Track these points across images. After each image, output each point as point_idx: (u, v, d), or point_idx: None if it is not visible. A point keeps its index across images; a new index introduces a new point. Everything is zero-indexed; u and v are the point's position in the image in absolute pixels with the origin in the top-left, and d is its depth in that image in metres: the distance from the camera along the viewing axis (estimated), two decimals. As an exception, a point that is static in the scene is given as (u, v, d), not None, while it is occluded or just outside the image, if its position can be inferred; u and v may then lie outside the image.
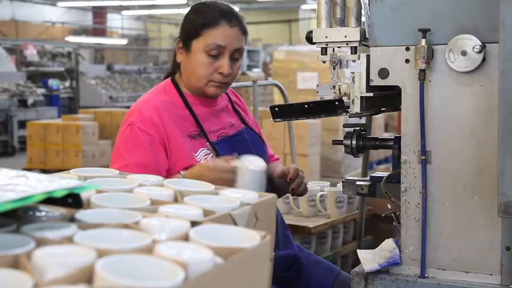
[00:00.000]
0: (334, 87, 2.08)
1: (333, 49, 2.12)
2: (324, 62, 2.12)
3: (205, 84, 2.19)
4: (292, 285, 2.30)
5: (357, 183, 2.24)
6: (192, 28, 2.18)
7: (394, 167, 2.12)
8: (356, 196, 3.19)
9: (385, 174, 2.19)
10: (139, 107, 2.16)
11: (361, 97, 1.98)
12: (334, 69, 2.10)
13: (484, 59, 1.84)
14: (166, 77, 2.34)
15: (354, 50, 2.07)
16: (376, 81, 1.97)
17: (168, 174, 2.08)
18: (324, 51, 2.11)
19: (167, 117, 2.14)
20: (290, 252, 2.34)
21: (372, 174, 2.29)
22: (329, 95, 2.13)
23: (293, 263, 2.33)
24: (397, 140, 2.07)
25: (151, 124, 2.10)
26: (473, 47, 1.83)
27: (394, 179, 2.08)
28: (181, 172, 2.06)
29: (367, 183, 2.22)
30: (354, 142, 2.23)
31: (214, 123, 2.25)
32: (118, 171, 1.51)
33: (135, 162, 2.05)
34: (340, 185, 3.26)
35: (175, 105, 2.19)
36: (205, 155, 2.15)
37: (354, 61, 2.08)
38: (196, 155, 2.14)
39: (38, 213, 1.10)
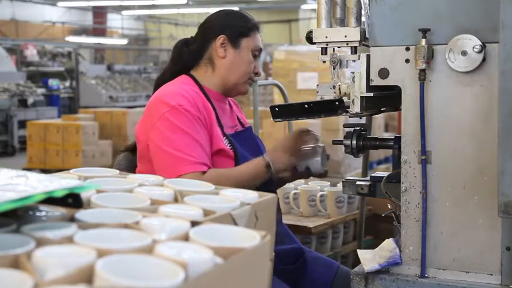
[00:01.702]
0: (334, 87, 2.08)
1: (333, 49, 2.12)
2: (324, 62, 2.13)
3: (244, 81, 2.35)
4: (296, 278, 2.34)
5: (357, 183, 2.24)
6: (244, 28, 2.34)
7: (394, 167, 2.12)
8: (356, 196, 3.19)
9: (385, 174, 2.19)
10: (176, 91, 2.22)
11: (361, 97, 1.98)
12: (334, 69, 2.10)
13: (484, 59, 1.84)
14: (162, 75, 2.40)
15: (354, 50, 2.07)
16: (376, 81, 1.97)
17: (209, 153, 2.21)
18: (324, 51, 2.11)
19: (201, 103, 2.24)
20: (296, 245, 2.41)
21: (372, 174, 2.29)
22: (329, 95, 2.13)
23: (298, 257, 2.38)
24: (397, 140, 2.07)
25: (196, 106, 2.20)
26: (473, 47, 1.83)
27: (394, 179, 2.08)
28: (265, 157, 2.21)
29: (367, 183, 2.22)
30: (354, 142, 2.23)
31: (228, 119, 2.38)
32: (118, 172, 1.51)
33: (199, 138, 2.17)
34: (340, 185, 3.26)
35: (200, 95, 2.28)
36: (229, 143, 2.27)
37: (354, 61, 2.09)
38: (224, 139, 2.27)
39: (38, 213, 1.10)
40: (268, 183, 2.19)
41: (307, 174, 2.37)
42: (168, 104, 2.18)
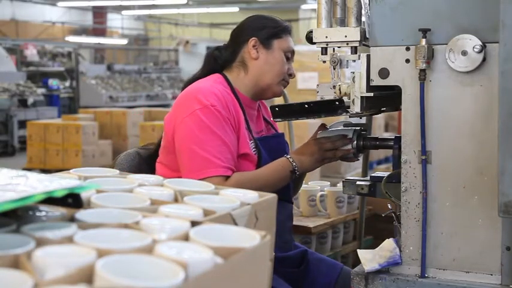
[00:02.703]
0: (334, 87, 2.08)
1: (333, 49, 2.12)
2: (324, 62, 2.13)
3: (278, 81, 2.35)
4: (300, 280, 2.35)
5: (357, 183, 2.23)
6: (275, 29, 2.36)
7: (394, 167, 2.12)
8: (356, 196, 3.19)
9: (386, 174, 2.19)
10: (209, 89, 2.22)
11: (362, 97, 1.97)
12: (334, 69, 2.10)
13: (484, 59, 1.84)
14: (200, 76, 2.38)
15: (354, 50, 2.07)
16: (377, 81, 1.97)
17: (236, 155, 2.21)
18: (324, 51, 2.11)
19: (231, 104, 2.24)
20: (300, 249, 2.44)
21: (372, 174, 2.29)
22: (329, 95, 2.13)
23: (302, 260, 2.41)
24: (398, 139, 2.07)
25: (227, 107, 2.20)
26: (473, 47, 1.83)
27: (394, 179, 2.08)
28: (288, 157, 2.23)
29: (368, 183, 2.22)
30: (355, 142, 2.23)
31: (256, 125, 2.39)
32: (118, 172, 1.50)
33: (228, 140, 2.17)
34: (340, 185, 3.26)
35: (231, 97, 2.28)
36: (254, 147, 2.27)
37: (354, 61, 2.09)
38: (250, 143, 2.27)
39: (38, 213, 1.10)
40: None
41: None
42: (201, 101, 2.17)
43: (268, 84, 2.34)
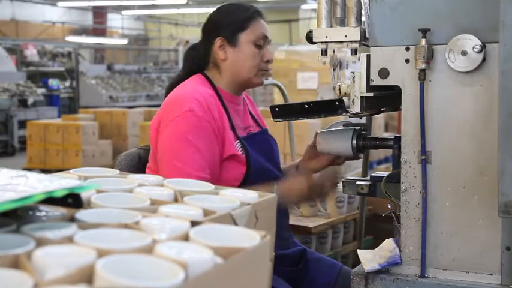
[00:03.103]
0: (334, 88, 2.08)
1: (333, 50, 2.12)
2: (324, 63, 2.13)
3: (255, 74, 2.28)
4: (299, 279, 2.35)
5: (357, 182, 2.23)
6: (237, 22, 2.27)
7: (394, 167, 2.12)
8: (356, 196, 3.19)
9: (385, 174, 2.19)
10: (190, 94, 2.19)
11: (361, 97, 1.98)
12: (334, 70, 2.10)
13: (484, 59, 1.84)
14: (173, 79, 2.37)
15: (354, 52, 2.07)
16: (376, 81, 1.97)
17: (219, 160, 2.18)
18: (323, 52, 2.11)
19: (214, 105, 2.21)
20: (299, 247, 2.43)
21: (372, 174, 2.29)
22: (329, 97, 2.13)
23: (301, 258, 2.40)
24: (397, 139, 2.07)
25: (209, 111, 2.17)
26: (473, 47, 1.83)
27: (394, 178, 2.07)
28: (275, 185, 2.19)
29: (367, 182, 2.22)
30: (354, 142, 2.23)
31: (242, 121, 2.35)
32: (118, 172, 1.50)
33: (206, 148, 2.14)
34: (340, 185, 3.26)
35: (214, 98, 2.25)
36: (241, 147, 2.24)
37: (354, 62, 2.08)
38: (235, 144, 2.24)
39: (38, 213, 1.10)
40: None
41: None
42: (181, 107, 2.15)
43: (246, 79, 2.30)
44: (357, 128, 2.29)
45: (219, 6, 2.38)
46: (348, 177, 2.32)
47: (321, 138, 2.31)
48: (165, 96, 2.31)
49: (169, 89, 2.34)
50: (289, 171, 2.48)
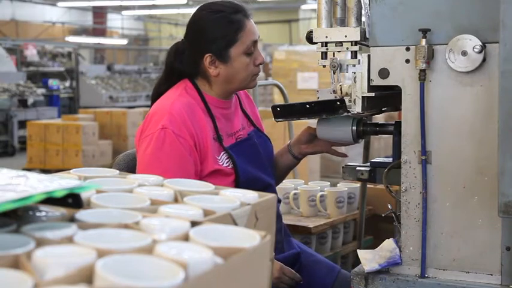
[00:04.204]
0: (334, 91, 2.08)
1: (333, 53, 2.12)
2: (324, 66, 2.12)
3: (249, 80, 2.24)
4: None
5: (357, 168, 2.21)
6: (226, 39, 2.17)
7: (394, 154, 2.11)
8: (356, 196, 3.19)
9: (385, 160, 2.18)
10: (167, 109, 2.13)
11: (363, 97, 1.98)
12: (334, 73, 2.10)
13: (484, 59, 1.84)
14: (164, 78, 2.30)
15: (354, 55, 2.08)
16: (377, 81, 1.97)
17: (196, 178, 2.09)
18: (323, 55, 2.11)
19: (195, 119, 2.15)
20: (293, 251, 2.39)
21: (372, 160, 2.28)
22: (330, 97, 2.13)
23: (295, 261, 2.36)
24: (397, 125, 2.07)
25: (184, 127, 2.11)
26: (473, 47, 1.83)
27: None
28: None
29: (368, 168, 2.20)
30: (355, 128, 2.21)
31: (231, 126, 2.29)
32: (118, 172, 1.50)
33: (176, 168, 2.07)
34: (340, 185, 3.27)
35: (199, 107, 2.20)
36: (227, 158, 2.19)
37: (354, 65, 2.08)
38: (219, 158, 2.18)
39: (38, 213, 1.10)
40: None
41: None
42: (156, 124, 2.11)
43: (239, 87, 2.26)
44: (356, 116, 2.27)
45: (202, 7, 2.27)
46: (348, 163, 2.30)
47: (322, 125, 2.28)
48: (151, 104, 2.26)
49: (153, 96, 2.28)
50: (282, 157, 2.46)
